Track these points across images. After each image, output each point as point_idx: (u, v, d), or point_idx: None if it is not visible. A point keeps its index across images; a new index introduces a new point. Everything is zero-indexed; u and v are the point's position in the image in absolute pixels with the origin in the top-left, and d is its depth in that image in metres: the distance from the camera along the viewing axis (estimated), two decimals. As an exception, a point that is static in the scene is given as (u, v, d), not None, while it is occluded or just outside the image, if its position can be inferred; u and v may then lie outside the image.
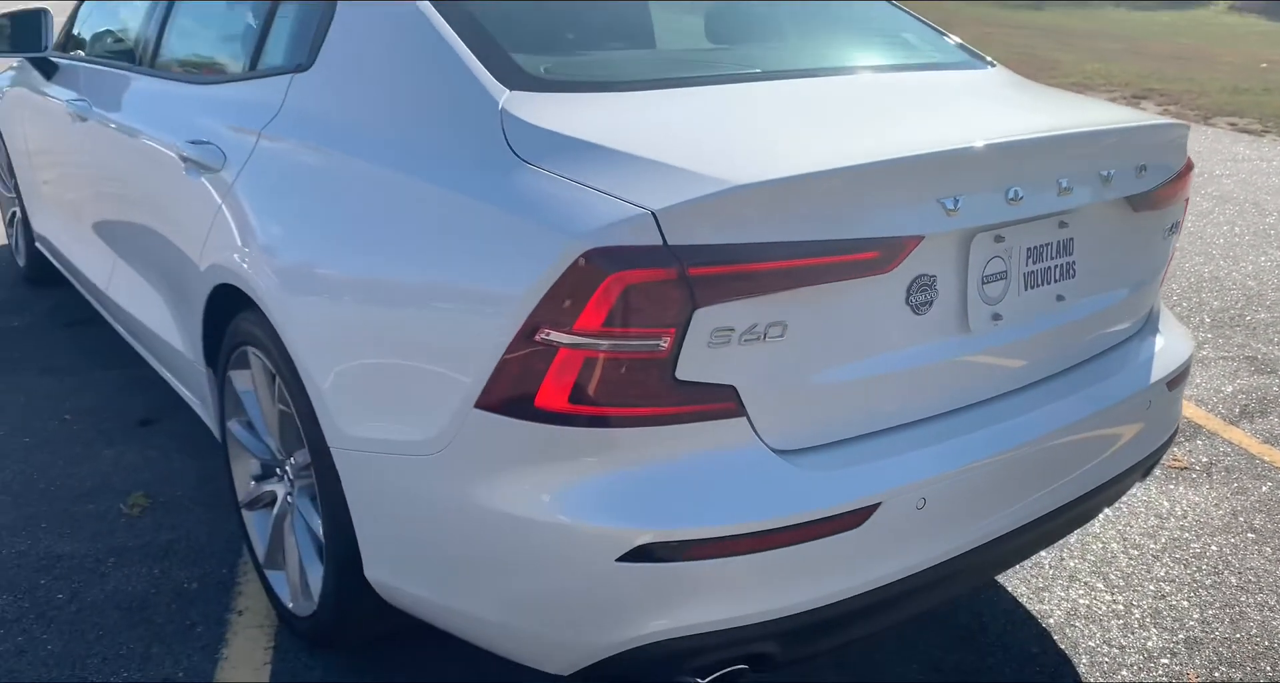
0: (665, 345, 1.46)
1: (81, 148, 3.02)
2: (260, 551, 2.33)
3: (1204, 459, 3.18)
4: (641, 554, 1.50)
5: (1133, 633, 2.36)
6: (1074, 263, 1.90)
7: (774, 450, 1.57)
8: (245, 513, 2.38)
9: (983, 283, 1.73)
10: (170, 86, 2.60)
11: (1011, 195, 1.67)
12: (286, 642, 2.24)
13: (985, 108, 2.05)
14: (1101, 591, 2.51)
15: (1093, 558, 2.65)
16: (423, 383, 1.64)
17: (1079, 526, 2.15)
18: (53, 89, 3.38)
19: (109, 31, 3.25)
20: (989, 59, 2.45)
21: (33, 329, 3.97)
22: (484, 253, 1.55)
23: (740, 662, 1.61)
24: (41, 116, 3.50)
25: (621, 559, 1.50)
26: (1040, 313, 1.86)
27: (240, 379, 2.25)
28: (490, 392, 1.53)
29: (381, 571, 1.83)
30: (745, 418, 1.54)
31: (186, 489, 2.84)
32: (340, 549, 1.92)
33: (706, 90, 1.89)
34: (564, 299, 1.44)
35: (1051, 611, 2.43)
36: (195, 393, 2.62)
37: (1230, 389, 3.69)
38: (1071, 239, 1.88)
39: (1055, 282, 1.87)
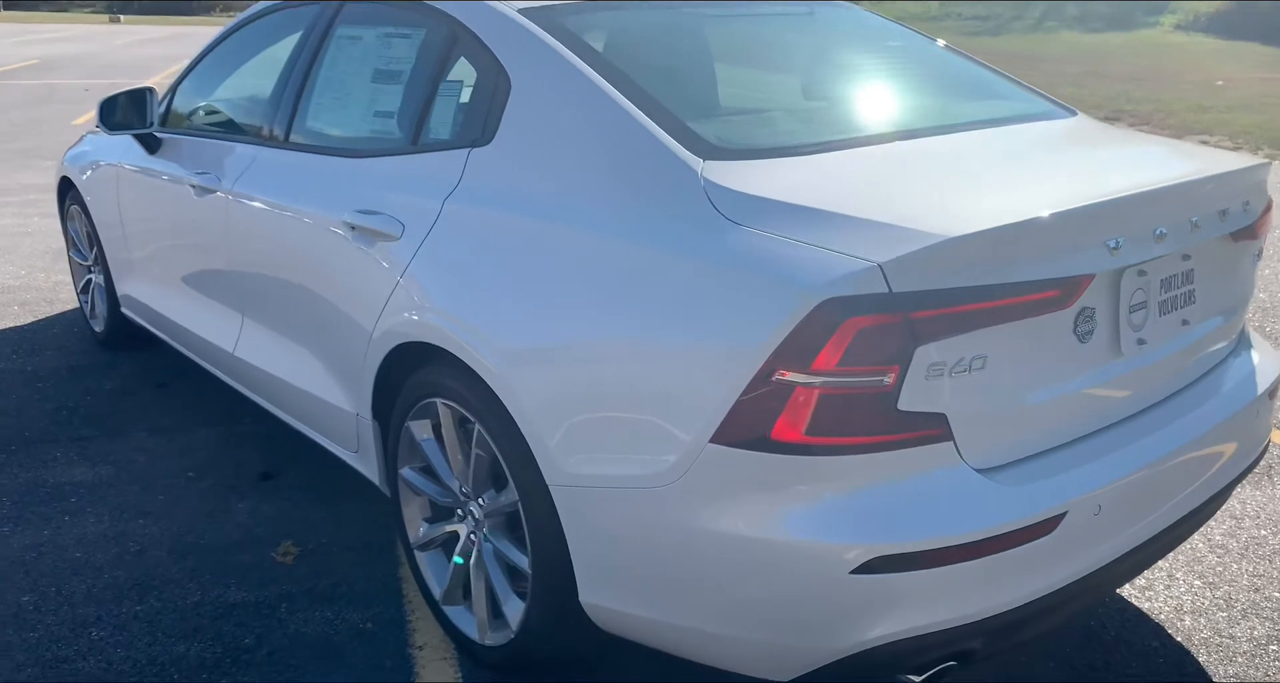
0: (889, 381, 1.67)
1: (205, 219, 3.19)
2: (437, 588, 2.50)
3: (1264, 463, 3.43)
4: (873, 567, 1.70)
5: (1238, 624, 2.58)
6: (1194, 290, 2.14)
7: (975, 469, 1.78)
8: (418, 554, 2.55)
9: (1129, 312, 1.97)
10: (314, 160, 2.79)
11: (1157, 234, 1.92)
12: (472, 672, 2.41)
13: (1113, 156, 2.30)
14: (1200, 587, 2.74)
15: (1184, 559, 2.87)
16: (653, 425, 1.84)
17: (1197, 530, 2.38)
18: (160, 163, 3.55)
19: (226, 108, 3.44)
20: (1070, 107, 2.70)
21: (127, 391, 4.11)
22: (711, 305, 1.76)
23: (951, 659, 1.82)
24: (145, 189, 3.66)
25: (855, 572, 1.70)
26: (1171, 336, 2.09)
27: (420, 429, 2.43)
28: (726, 428, 1.73)
29: (598, 595, 2.02)
30: (952, 442, 1.75)
31: (328, 536, 3.00)
32: (549, 579, 2.10)
33: (865, 151, 2.12)
34: (802, 343, 1.65)
35: (1160, 608, 2.65)
36: (344, 444, 2.79)
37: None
38: (1192, 270, 2.12)
39: (1181, 308, 2.11)
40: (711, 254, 1.80)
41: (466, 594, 2.46)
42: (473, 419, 2.21)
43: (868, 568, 1.70)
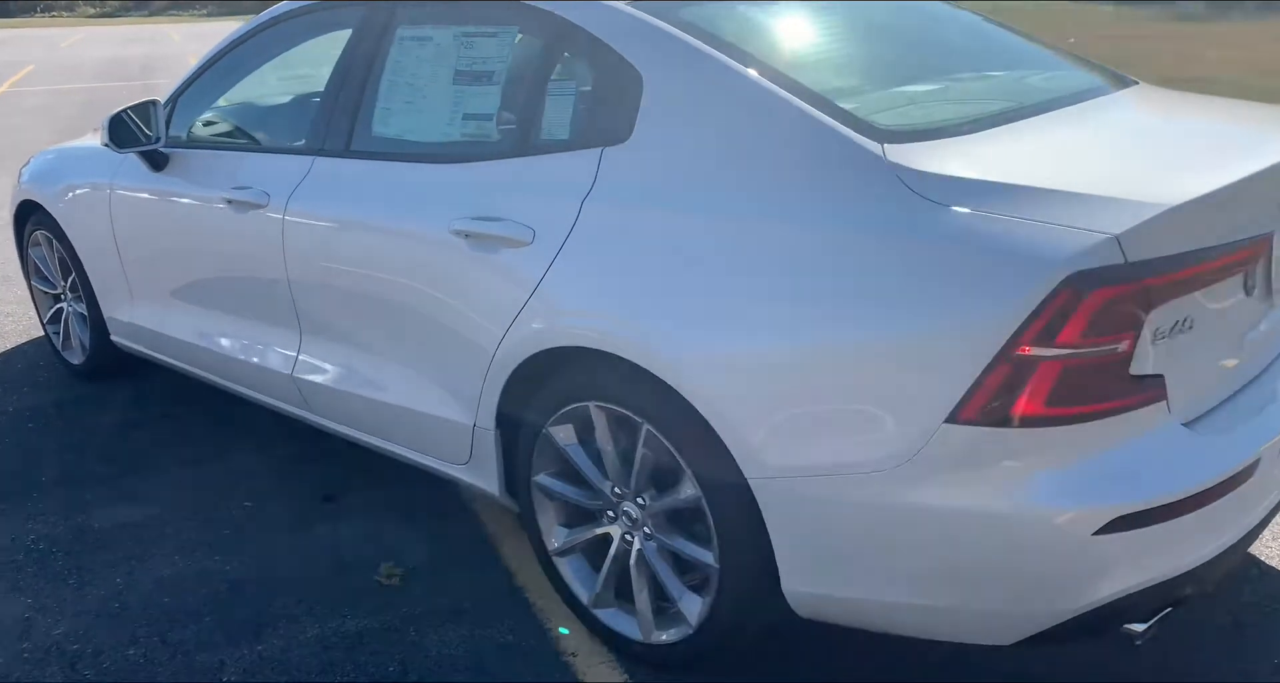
0: (1124, 348, 1.75)
1: (248, 236, 3.04)
2: (584, 593, 2.48)
3: None
4: (1114, 527, 1.78)
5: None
6: None
7: (1182, 425, 1.88)
8: (557, 560, 2.52)
9: (1277, 264, 2.10)
10: (393, 168, 2.69)
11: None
12: (639, 673, 2.40)
13: (1231, 120, 2.44)
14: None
15: None
16: (873, 411, 1.87)
17: None
18: (171, 180, 3.35)
19: (258, 117, 3.28)
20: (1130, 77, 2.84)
21: (132, 424, 3.88)
22: (934, 288, 1.80)
23: (1170, 606, 1.92)
24: (151, 209, 3.46)
25: (1098, 533, 1.78)
26: None
27: (562, 434, 2.39)
28: (964, 407, 1.78)
29: (805, 582, 2.04)
30: (1165, 402, 1.84)
31: (425, 554, 2.92)
32: (741, 571, 2.12)
33: (1015, 129, 2.18)
34: (1047, 318, 1.71)
35: None
36: (451, 458, 2.71)
37: None
38: None
39: None
40: (924, 237, 1.83)
41: (619, 595, 2.44)
42: (639, 420, 2.19)
43: (1109, 528, 1.77)
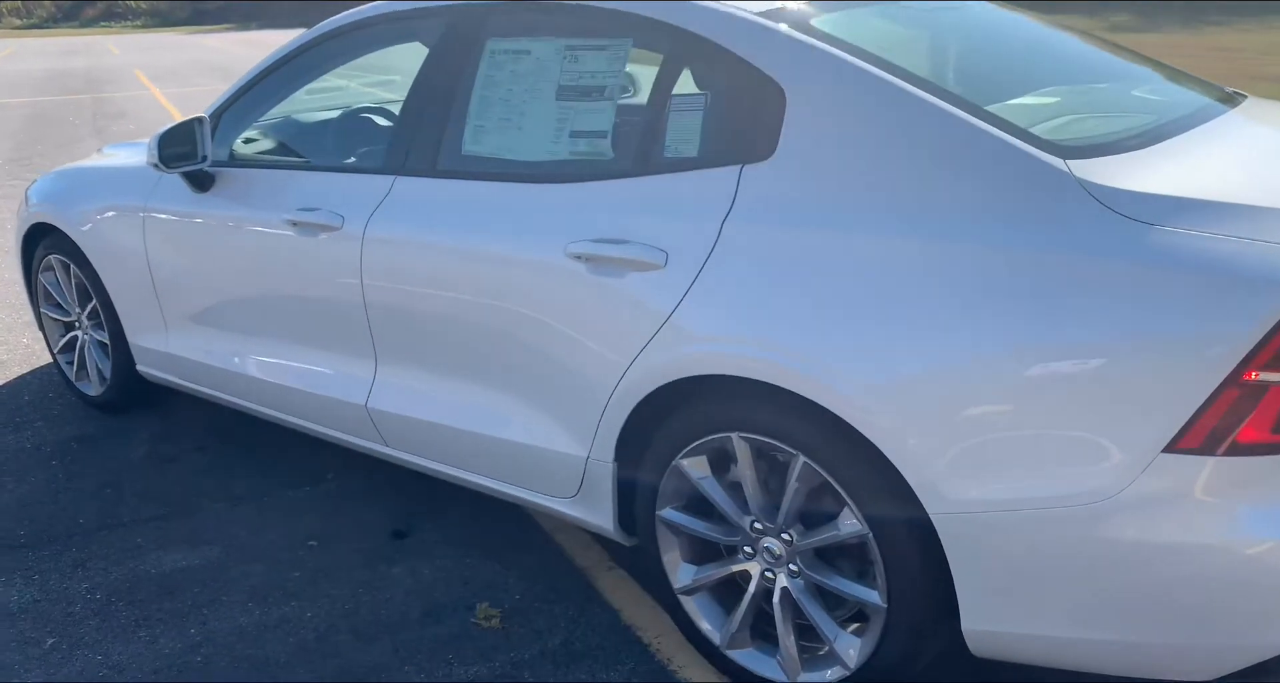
0: (1346, 368, 1.67)
1: (318, 260, 2.87)
2: (715, 633, 2.35)
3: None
4: (1338, 555, 1.70)
5: None
6: None
7: None
8: (684, 599, 2.39)
9: None
10: (492, 189, 2.54)
11: None
12: (781, 715, 2.28)
13: None
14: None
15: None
16: (1080, 440, 1.77)
17: None
18: (219, 202, 3.17)
19: (323, 134, 3.11)
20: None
21: (166, 458, 3.66)
22: (1144, 311, 1.71)
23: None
24: (196, 231, 3.26)
25: (1318, 565, 1.70)
26: None
27: (695, 466, 2.27)
28: (1185, 435, 1.69)
29: (988, 621, 1.94)
30: None
31: (519, 592, 2.78)
32: (912, 610, 2.01)
33: (1182, 141, 2.11)
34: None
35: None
36: (557, 491, 2.57)
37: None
38: None
39: None
40: (1134, 258, 1.75)
41: (755, 635, 2.32)
42: (792, 452, 2.08)
43: (1329, 560, 1.70)
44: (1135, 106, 2.45)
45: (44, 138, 11.82)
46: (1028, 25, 2.86)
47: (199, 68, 21.41)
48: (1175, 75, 2.77)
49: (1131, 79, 2.73)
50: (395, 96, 3.88)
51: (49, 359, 4.53)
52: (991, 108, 2.09)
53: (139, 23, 51.22)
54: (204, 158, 3.15)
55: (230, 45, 30.42)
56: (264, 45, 29.00)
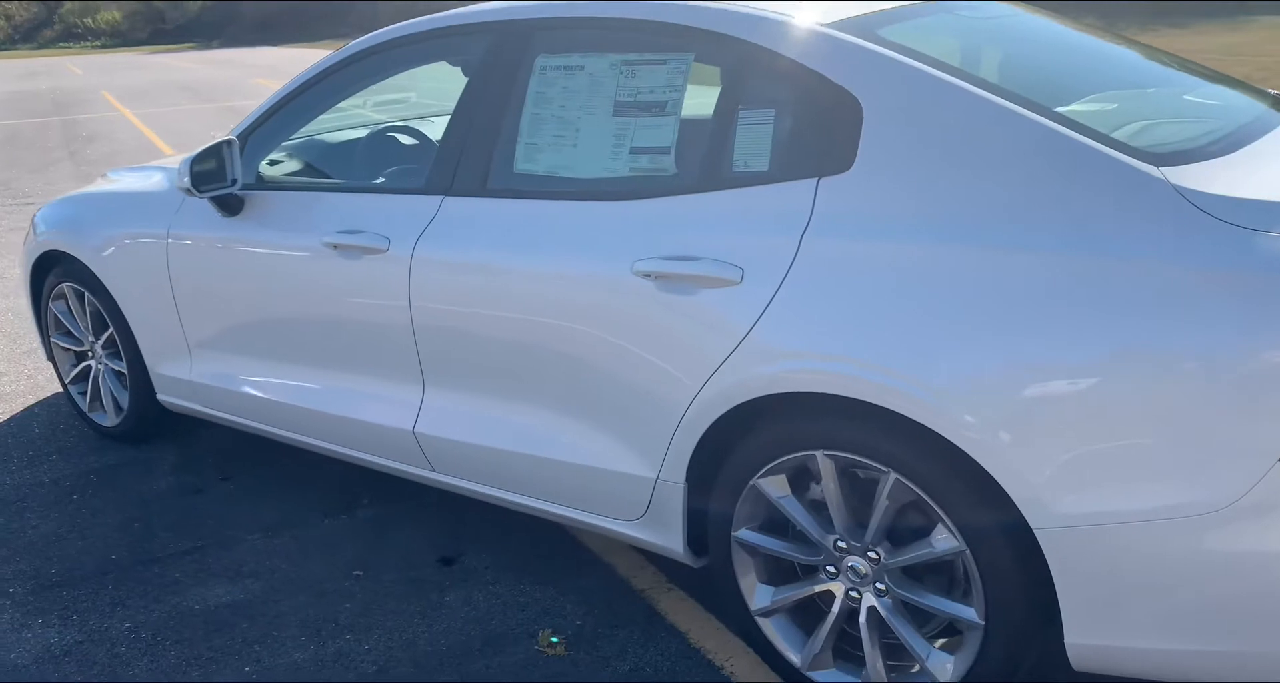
0: None
1: (362, 284, 2.81)
2: (795, 654, 2.31)
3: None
4: None
5: None
6: None
7: None
8: (762, 621, 2.35)
9: None
10: (550, 208, 2.49)
11: None
12: (868, 736, 2.24)
13: None
14: None
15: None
16: (1190, 449, 1.75)
17: None
18: (249, 226, 3.10)
19: (358, 154, 3.04)
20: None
21: (192, 489, 3.57)
22: (1266, 317, 1.69)
23: None
24: (226, 256, 3.18)
25: None
26: None
27: (774, 485, 2.23)
28: (1300, 443, 1.68)
29: (1093, 635, 1.91)
30: None
31: (580, 617, 2.72)
32: (1011, 626, 1.99)
33: (1260, 147, 2.10)
34: None
35: None
36: (623, 513, 2.52)
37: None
38: None
39: None
40: (1240, 264, 1.73)
41: (837, 655, 2.29)
42: (883, 469, 2.05)
43: None
44: (1198, 112, 2.44)
45: (17, 162, 11.61)
46: (1055, 27, 2.85)
47: (166, 88, 21.16)
48: (1217, 78, 2.77)
49: (1176, 83, 2.72)
50: (417, 115, 3.84)
51: (56, 390, 4.43)
52: (1084, 116, 2.07)
53: (98, 43, 50.64)
54: (234, 181, 3.07)
55: (194, 64, 30.13)
56: (230, 63, 28.80)
